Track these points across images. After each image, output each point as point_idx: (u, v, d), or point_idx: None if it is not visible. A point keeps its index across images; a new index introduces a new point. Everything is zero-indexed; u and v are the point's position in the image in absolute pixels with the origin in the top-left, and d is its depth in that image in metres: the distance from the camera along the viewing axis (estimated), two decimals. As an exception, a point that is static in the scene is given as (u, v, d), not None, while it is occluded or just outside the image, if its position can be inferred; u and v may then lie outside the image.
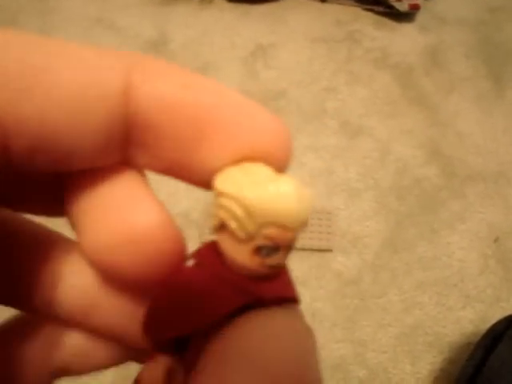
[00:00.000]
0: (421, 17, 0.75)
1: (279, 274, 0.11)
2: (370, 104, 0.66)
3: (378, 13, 0.74)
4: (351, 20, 0.74)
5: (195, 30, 0.74)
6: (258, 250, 0.10)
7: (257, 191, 0.10)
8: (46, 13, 0.75)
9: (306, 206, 0.10)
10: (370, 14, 0.75)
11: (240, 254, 0.10)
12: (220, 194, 0.10)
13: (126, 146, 0.11)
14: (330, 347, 0.49)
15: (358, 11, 0.76)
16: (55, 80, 0.09)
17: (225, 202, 0.10)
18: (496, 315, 0.50)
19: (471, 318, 0.51)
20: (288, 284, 0.11)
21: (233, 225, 0.10)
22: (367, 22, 0.74)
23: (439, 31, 0.74)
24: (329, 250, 0.54)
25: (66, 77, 0.09)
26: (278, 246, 0.10)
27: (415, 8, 0.72)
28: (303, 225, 0.10)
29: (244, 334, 0.09)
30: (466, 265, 0.54)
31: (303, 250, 0.53)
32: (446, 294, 0.52)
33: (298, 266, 0.53)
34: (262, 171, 0.10)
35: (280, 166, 0.11)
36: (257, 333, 0.09)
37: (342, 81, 0.68)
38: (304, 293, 0.51)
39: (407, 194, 0.58)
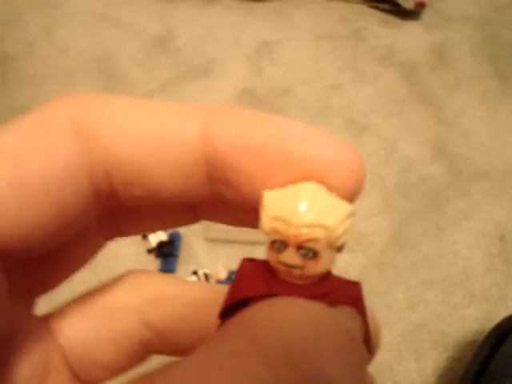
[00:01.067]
0: (426, 15, 0.75)
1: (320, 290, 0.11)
2: (375, 102, 0.66)
3: (384, 10, 0.74)
4: (357, 17, 0.74)
5: (200, 26, 0.74)
6: (273, 245, 0.11)
7: (278, 190, 0.11)
8: (50, 8, 0.75)
9: (320, 213, 0.11)
10: (375, 11, 0.75)
11: (268, 252, 0.11)
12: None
13: (212, 182, 0.12)
14: (335, 344, 0.49)
15: (364, 9, 0.75)
16: (145, 131, 0.11)
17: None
18: (501, 314, 0.50)
19: (476, 317, 0.51)
20: (316, 297, 0.11)
21: (259, 226, 0.11)
22: (373, 20, 0.74)
23: (445, 29, 0.74)
24: (334, 248, 0.54)
25: (153, 127, 0.12)
26: (286, 242, 0.11)
27: (421, 6, 0.72)
28: (311, 227, 0.10)
29: (252, 311, 0.10)
30: (472, 263, 0.54)
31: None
32: (451, 292, 0.52)
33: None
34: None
35: (347, 194, 0.11)
36: (264, 309, 0.10)
37: (348, 78, 0.68)
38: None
39: (413, 192, 0.58)
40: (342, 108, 0.65)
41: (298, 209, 0.11)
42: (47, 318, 0.14)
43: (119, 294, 0.15)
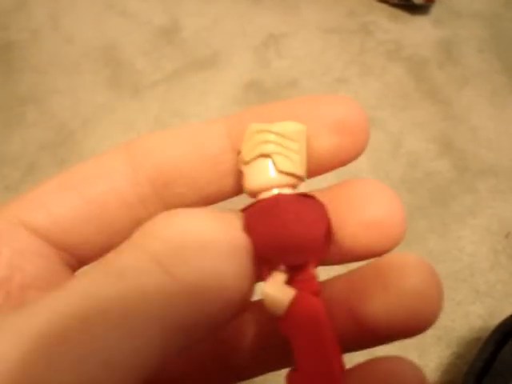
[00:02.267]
0: (435, 10, 0.75)
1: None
2: (382, 96, 0.65)
3: (393, 5, 0.74)
4: (365, 11, 0.74)
5: (207, 17, 0.73)
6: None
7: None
8: (56, -2, 0.75)
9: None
10: (384, 5, 0.74)
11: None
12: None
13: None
14: (338, 338, 0.49)
15: (372, 3, 0.75)
16: (185, 148, 0.15)
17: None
18: (506, 311, 0.50)
19: (480, 313, 0.51)
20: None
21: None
22: (381, 14, 0.74)
23: (453, 25, 0.74)
24: (338, 241, 0.53)
25: (188, 145, 0.15)
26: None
27: (430, 0, 0.71)
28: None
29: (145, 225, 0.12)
30: (477, 259, 0.54)
31: (313, 240, 0.53)
32: (456, 289, 0.52)
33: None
34: None
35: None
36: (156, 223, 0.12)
37: (355, 72, 0.68)
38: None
39: (418, 187, 0.58)
40: (348, 102, 0.65)
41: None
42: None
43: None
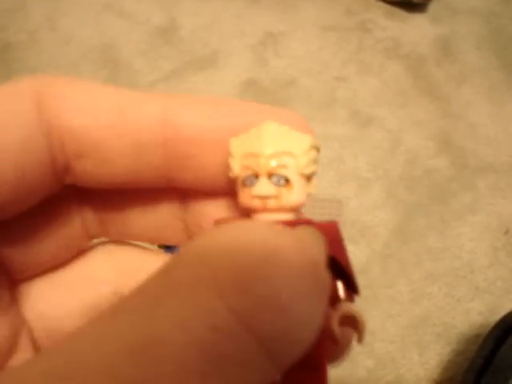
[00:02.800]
0: (433, 7, 0.74)
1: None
2: (380, 94, 0.65)
3: (390, 3, 0.74)
4: (363, 9, 0.74)
5: (204, 17, 0.73)
6: (244, 183, 0.11)
7: (241, 135, 0.12)
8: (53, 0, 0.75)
9: (285, 142, 0.11)
10: (381, 3, 0.74)
11: (241, 196, 0.11)
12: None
13: (167, 167, 0.13)
14: (338, 336, 0.49)
15: (370, 1, 0.75)
16: (103, 106, 0.12)
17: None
18: (505, 307, 0.50)
19: (480, 310, 0.51)
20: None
21: (229, 173, 0.12)
22: (379, 12, 0.73)
23: (451, 22, 0.74)
24: (338, 240, 0.53)
25: (111, 103, 0.12)
26: (257, 174, 0.11)
27: (428, -2, 0.71)
28: (278, 155, 0.11)
29: (202, 237, 0.09)
30: (476, 256, 0.54)
31: (312, 238, 0.53)
32: (455, 286, 0.52)
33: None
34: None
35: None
36: (215, 234, 0.09)
37: (353, 70, 0.68)
38: (312, 281, 0.51)
39: (417, 185, 0.58)
40: (346, 100, 0.65)
41: (265, 141, 0.11)
42: (14, 290, 0.14)
43: (91, 265, 0.15)
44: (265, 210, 0.11)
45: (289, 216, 0.12)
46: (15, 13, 0.72)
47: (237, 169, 0.12)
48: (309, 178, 0.12)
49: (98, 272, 0.15)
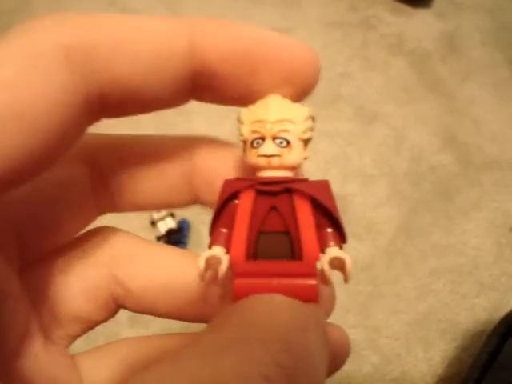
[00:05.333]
0: (437, 2, 0.74)
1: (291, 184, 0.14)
2: (385, 90, 0.65)
3: (395, -2, 0.73)
4: (367, 5, 0.73)
5: (208, 14, 0.73)
6: (252, 144, 0.14)
7: (250, 106, 0.14)
8: (58, -4, 0.75)
9: (287, 111, 0.13)
10: (385, -1, 0.74)
11: (248, 156, 0.14)
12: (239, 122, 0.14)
13: (195, 91, 0.14)
14: (343, 332, 0.49)
15: (374, -4, 0.75)
16: (136, 48, 0.12)
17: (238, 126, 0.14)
18: (510, 304, 0.50)
19: (485, 306, 0.51)
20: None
21: (239, 137, 0.14)
22: (383, 8, 0.73)
23: (456, 17, 0.73)
24: (343, 236, 0.54)
25: (143, 45, 0.12)
26: (263, 137, 0.13)
27: (432, -7, 0.71)
28: (282, 121, 0.13)
29: (248, 305, 0.12)
30: (481, 253, 0.54)
31: (317, 235, 0.53)
32: (460, 282, 0.52)
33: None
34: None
35: (311, 84, 0.14)
36: (257, 304, 0.12)
37: (357, 67, 0.67)
38: (317, 278, 0.51)
39: (422, 181, 0.58)
40: (351, 96, 0.64)
41: (270, 110, 0.13)
42: (23, 275, 0.14)
43: (88, 247, 0.16)
44: (269, 167, 0.14)
45: (289, 173, 0.14)
46: (19, 11, 0.73)
47: (246, 133, 0.14)
48: (306, 142, 0.14)
49: (95, 255, 0.16)
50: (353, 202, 0.56)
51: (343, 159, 0.59)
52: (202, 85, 0.14)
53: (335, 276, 0.14)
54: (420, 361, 0.48)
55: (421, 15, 0.73)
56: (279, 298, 0.12)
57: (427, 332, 0.49)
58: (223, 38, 0.13)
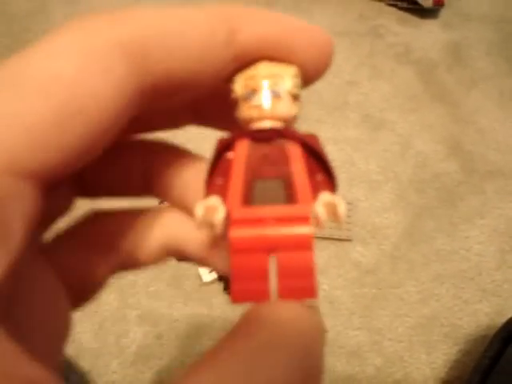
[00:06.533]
0: (444, 13, 0.76)
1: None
2: (391, 98, 0.66)
3: (402, 8, 0.75)
4: (375, 15, 0.75)
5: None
6: (245, 98, 0.14)
7: (242, 71, 0.15)
8: (73, 2, 0.77)
9: (275, 68, 0.14)
10: (393, 9, 0.75)
11: (241, 110, 0.15)
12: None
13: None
14: (347, 334, 0.50)
15: (382, 6, 0.76)
16: (183, 40, 0.13)
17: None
18: (512, 309, 0.51)
19: (487, 312, 0.52)
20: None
21: (232, 94, 0.15)
22: (391, 18, 0.75)
23: (462, 28, 0.75)
24: (348, 240, 0.55)
25: (189, 37, 0.13)
26: (254, 89, 0.14)
27: (439, 4, 0.72)
28: (272, 76, 0.14)
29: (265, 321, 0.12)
30: (484, 259, 0.55)
31: (323, 239, 0.54)
32: (463, 287, 0.53)
33: (317, 255, 0.53)
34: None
35: (327, 64, 0.15)
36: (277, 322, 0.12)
37: (365, 75, 0.69)
38: (323, 281, 0.52)
39: (427, 188, 0.59)
40: (358, 104, 0.66)
41: (261, 68, 0.14)
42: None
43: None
44: (261, 117, 0.14)
45: (280, 124, 0.14)
46: (37, 15, 0.74)
47: (238, 88, 0.14)
48: (295, 98, 0.15)
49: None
50: (358, 207, 0.57)
51: (349, 165, 0.60)
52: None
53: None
54: (423, 364, 0.49)
55: (428, 26, 0.74)
56: (295, 308, 0.13)
57: (430, 335, 0.50)
58: (261, 24, 0.14)
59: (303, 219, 0.13)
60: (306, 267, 0.13)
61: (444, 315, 0.51)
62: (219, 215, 0.13)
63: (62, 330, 0.15)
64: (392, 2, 0.74)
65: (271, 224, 0.13)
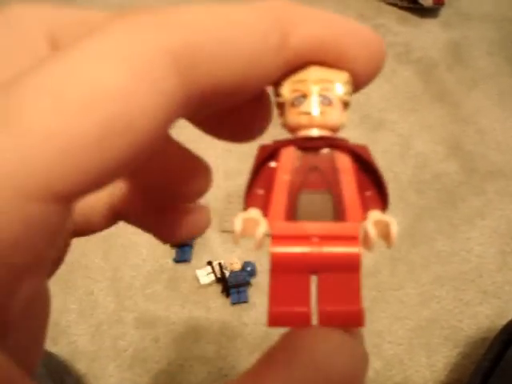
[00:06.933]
0: (444, 12, 0.75)
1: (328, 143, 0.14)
2: (391, 98, 0.66)
3: (402, 8, 0.74)
4: (375, 14, 0.74)
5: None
6: (293, 103, 0.13)
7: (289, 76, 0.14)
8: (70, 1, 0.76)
9: (328, 74, 0.13)
10: (393, 8, 0.75)
11: (288, 116, 0.14)
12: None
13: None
14: (347, 337, 0.49)
15: (382, 6, 0.75)
16: (234, 47, 0.12)
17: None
18: (513, 312, 0.50)
19: (488, 314, 0.51)
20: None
21: (279, 99, 0.14)
22: (391, 17, 0.74)
23: (462, 27, 0.74)
24: (347, 242, 0.54)
25: (239, 44, 0.12)
26: (304, 94, 0.13)
27: (439, 3, 0.72)
28: (321, 80, 0.13)
29: (310, 344, 0.11)
30: (485, 261, 0.54)
31: (322, 240, 0.54)
32: (464, 289, 0.52)
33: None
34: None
35: (379, 68, 0.14)
36: (320, 346, 0.12)
37: (364, 74, 0.68)
38: (322, 283, 0.52)
39: (427, 189, 0.59)
40: (358, 104, 0.65)
41: (311, 72, 0.13)
42: None
43: None
44: (310, 125, 0.13)
45: (328, 133, 0.14)
46: None
47: (286, 92, 0.14)
48: (345, 105, 0.14)
49: None
50: (358, 208, 0.56)
51: (349, 165, 0.60)
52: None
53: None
54: (422, 367, 0.48)
55: (428, 25, 0.74)
56: (338, 337, 0.12)
57: (430, 338, 0.50)
58: (314, 26, 0.13)
59: (351, 239, 0.12)
60: (353, 290, 0.12)
61: (444, 317, 0.51)
62: (260, 230, 0.12)
63: (42, 318, 0.14)
64: (392, 1, 0.74)
65: (316, 242, 0.12)
